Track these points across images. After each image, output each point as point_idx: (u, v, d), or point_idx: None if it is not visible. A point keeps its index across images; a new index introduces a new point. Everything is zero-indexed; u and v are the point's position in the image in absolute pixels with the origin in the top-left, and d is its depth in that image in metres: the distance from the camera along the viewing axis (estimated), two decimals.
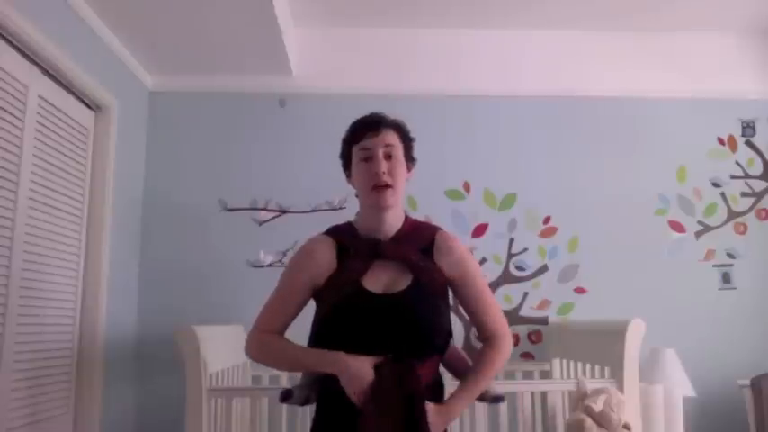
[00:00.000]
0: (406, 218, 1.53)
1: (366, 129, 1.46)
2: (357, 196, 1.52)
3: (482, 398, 1.58)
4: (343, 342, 1.37)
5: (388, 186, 1.42)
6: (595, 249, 3.21)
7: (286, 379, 2.90)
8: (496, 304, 1.54)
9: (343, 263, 1.45)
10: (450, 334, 1.48)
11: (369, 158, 1.44)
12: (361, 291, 1.40)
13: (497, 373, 1.51)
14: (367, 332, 1.36)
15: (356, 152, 1.46)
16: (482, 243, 3.17)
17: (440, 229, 1.54)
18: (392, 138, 1.46)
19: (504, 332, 1.52)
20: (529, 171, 3.28)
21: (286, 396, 1.52)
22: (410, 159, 1.52)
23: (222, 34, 2.79)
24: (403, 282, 1.42)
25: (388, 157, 1.44)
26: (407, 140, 1.52)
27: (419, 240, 1.47)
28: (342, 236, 1.50)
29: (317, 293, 1.47)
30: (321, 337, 1.41)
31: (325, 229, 1.57)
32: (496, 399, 1.59)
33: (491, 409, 2.42)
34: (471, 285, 1.49)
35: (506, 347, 1.51)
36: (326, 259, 1.46)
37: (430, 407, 1.36)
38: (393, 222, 1.48)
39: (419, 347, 1.40)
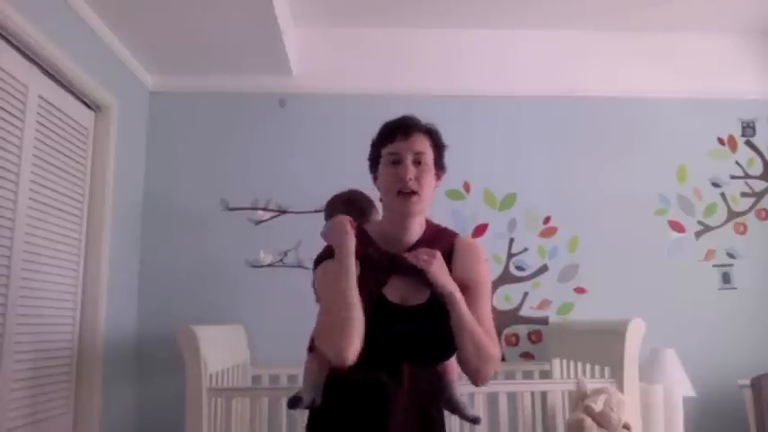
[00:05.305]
0: (427, 223, 1.49)
1: (397, 132, 1.42)
2: (381, 200, 1.48)
3: (461, 415, 1.58)
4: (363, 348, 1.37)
5: (414, 193, 1.37)
6: (595, 249, 3.21)
7: (285, 378, 2.90)
8: (491, 322, 1.44)
9: (364, 267, 1.40)
10: None
11: (397, 162, 1.39)
12: (383, 302, 1.38)
13: (478, 342, 1.34)
14: (387, 342, 1.35)
15: (385, 155, 1.42)
16: (482, 243, 3.14)
17: (458, 234, 1.51)
18: (423, 144, 1.41)
19: (495, 352, 1.41)
20: (529, 171, 3.28)
21: (295, 402, 1.48)
22: (440, 167, 1.46)
23: (222, 34, 2.79)
24: (421, 294, 1.40)
25: (417, 163, 1.39)
26: (439, 147, 1.46)
27: (438, 248, 1.42)
28: (359, 245, 1.43)
29: None
30: None
31: None
32: (474, 420, 1.57)
33: (491, 409, 2.42)
34: (475, 296, 1.42)
35: (493, 362, 1.39)
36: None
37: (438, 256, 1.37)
38: (415, 230, 1.44)
39: (436, 356, 1.42)
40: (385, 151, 1.42)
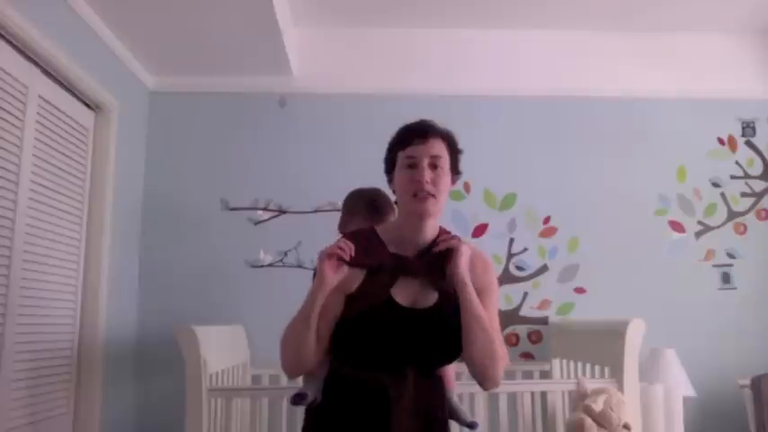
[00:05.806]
0: (439, 227, 1.51)
1: (414, 135, 1.43)
2: (396, 203, 1.50)
3: (458, 420, 1.58)
4: (365, 349, 1.36)
5: (430, 196, 1.39)
6: (595, 249, 3.21)
7: (285, 378, 2.90)
8: (499, 328, 1.45)
9: (370, 274, 1.41)
10: None
11: (413, 165, 1.41)
12: (391, 303, 1.38)
13: (488, 336, 1.35)
14: (393, 343, 1.35)
15: (401, 158, 1.43)
16: (482, 243, 3.16)
17: (466, 243, 1.51)
18: (439, 147, 1.43)
19: (504, 353, 1.42)
20: (529, 171, 3.28)
21: (299, 398, 1.48)
22: (455, 171, 1.49)
23: (222, 34, 2.79)
24: (429, 298, 1.41)
25: (434, 166, 1.40)
26: (455, 151, 1.48)
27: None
28: (367, 254, 1.43)
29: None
30: (343, 338, 1.39)
31: (348, 232, 1.53)
32: (471, 425, 1.58)
33: (491, 409, 2.42)
34: (483, 302, 1.43)
35: (502, 363, 1.39)
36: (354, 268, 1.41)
37: (464, 258, 1.40)
38: (429, 233, 1.46)
39: (441, 360, 1.42)
40: (402, 154, 1.43)
